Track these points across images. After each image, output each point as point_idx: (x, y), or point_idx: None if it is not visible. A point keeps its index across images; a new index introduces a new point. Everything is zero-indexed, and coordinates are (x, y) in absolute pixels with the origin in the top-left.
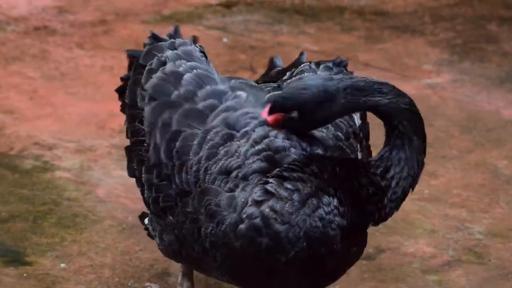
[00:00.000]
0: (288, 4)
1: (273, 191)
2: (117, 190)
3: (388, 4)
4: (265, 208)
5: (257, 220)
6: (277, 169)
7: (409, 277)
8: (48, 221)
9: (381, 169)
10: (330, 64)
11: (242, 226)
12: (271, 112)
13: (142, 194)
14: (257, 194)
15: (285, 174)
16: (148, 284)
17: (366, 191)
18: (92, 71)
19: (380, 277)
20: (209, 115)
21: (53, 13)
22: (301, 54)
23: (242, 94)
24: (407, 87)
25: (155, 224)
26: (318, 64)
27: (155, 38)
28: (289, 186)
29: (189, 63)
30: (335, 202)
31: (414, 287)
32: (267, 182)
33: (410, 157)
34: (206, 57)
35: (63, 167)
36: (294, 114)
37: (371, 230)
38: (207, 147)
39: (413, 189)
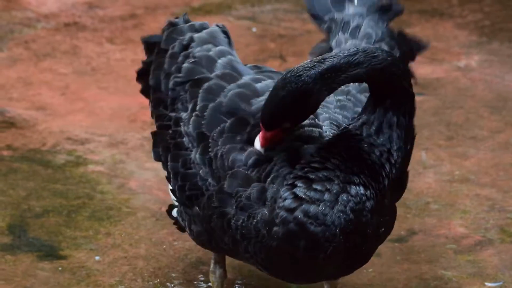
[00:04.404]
0: None
1: (303, 196)
2: (149, 182)
3: None
4: (299, 214)
5: (292, 225)
6: (299, 168)
7: (442, 258)
8: (82, 215)
9: (374, 127)
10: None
11: (277, 229)
12: (268, 129)
13: (168, 180)
14: (288, 201)
15: (311, 176)
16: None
17: (375, 156)
18: (123, 65)
19: (413, 259)
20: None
21: (82, 8)
22: None
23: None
24: (437, 70)
25: (184, 214)
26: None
27: (172, 24)
28: (318, 187)
29: (218, 47)
30: (361, 189)
31: (447, 267)
32: (294, 186)
33: (396, 105)
34: (229, 37)
35: (95, 161)
36: (287, 123)
37: (403, 212)
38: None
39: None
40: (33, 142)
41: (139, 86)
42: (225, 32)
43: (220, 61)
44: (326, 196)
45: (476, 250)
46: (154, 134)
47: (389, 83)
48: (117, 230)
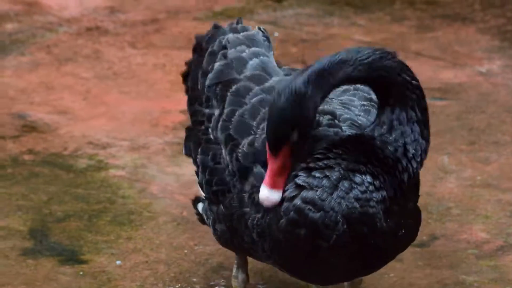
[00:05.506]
0: None
1: (302, 183)
2: (171, 186)
3: None
4: (298, 201)
5: (292, 214)
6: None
7: (463, 263)
8: (103, 219)
9: (385, 126)
10: None
11: (282, 221)
12: (275, 152)
13: (197, 175)
14: (289, 190)
15: (312, 165)
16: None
17: (388, 151)
18: (145, 69)
19: (435, 264)
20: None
21: (104, 13)
22: None
23: None
24: (459, 75)
25: (209, 213)
26: None
27: (216, 27)
28: (317, 174)
29: (252, 48)
30: (368, 178)
31: (468, 273)
32: (296, 176)
33: (402, 101)
34: (269, 41)
35: (117, 165)
36: (294, 136)
37: (424, 217)
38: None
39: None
40: (55, 147)
41: (161, 90)
42: (265, 36)
43: (252, 62)
44: (325, 182)
45: (497, 255)
46: (188, 129)
47: (386, 78)
48: (138, 234)
